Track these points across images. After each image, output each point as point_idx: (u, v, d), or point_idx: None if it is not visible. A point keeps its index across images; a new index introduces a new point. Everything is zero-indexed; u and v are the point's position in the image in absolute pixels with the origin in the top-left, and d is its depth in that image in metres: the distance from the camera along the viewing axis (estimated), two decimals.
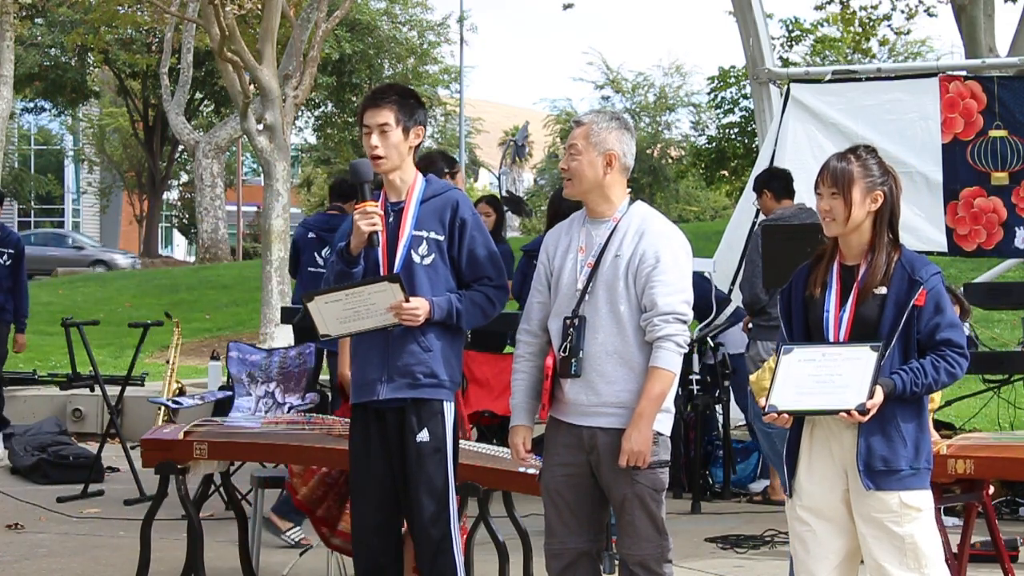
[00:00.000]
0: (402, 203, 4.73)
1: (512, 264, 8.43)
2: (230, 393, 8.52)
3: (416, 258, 4.68)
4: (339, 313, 4.63)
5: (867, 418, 3.97)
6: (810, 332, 4.19)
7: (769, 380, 5.01)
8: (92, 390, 9.96)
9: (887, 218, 4.13)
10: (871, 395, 3.95)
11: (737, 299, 9.64)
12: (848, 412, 3.96)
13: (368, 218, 4.62)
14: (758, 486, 8.62)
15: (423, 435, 4.64)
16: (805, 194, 8.72)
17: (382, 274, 4.66)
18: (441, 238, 4.70)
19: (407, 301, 4.57)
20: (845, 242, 4.17)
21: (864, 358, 4.01)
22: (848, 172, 4.12)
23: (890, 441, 4.03)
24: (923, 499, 4.07)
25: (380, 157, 4.68)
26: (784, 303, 4.28)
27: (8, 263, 9.68)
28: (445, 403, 4.69)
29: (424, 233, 4.70)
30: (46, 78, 34.58)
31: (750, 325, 8.38)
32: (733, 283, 9.85)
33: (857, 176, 4.12)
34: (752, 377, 5.26)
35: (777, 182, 8.21)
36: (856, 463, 4.05)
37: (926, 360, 4.02)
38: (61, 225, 57.14)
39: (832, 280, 4.17)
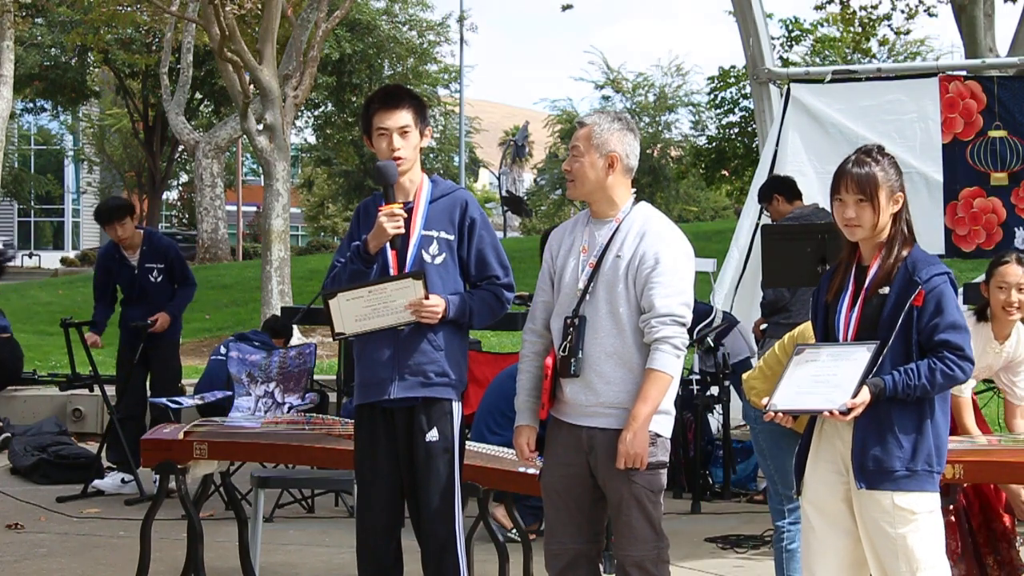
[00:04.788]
0: (410, 203, 4.74)
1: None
2: (230, 393, 8.52)
3: (427, 257, 4.69)
4: (359, 311, 4.63)
5: (849, 417, 3.97)
6: (828, 334, 4.19)
7: (758, 379, 5.03)
8: (92, 390, 9.93)
9: (903, 220, 4.12)
10: (856, 394, 3.95)
11: (744, 300, 9.67)
12: (831, 412, 3.97)
13: (394, 220, 4.62)
14: (760, 485, 8.62)
15: (432, 434, 4.64)
16: (803, 197, 8.74)
17: (392, 274, 4.67)
18: (451, 238, 4.71)
19: (427, 298, 4.58)
20: (863, 244, 4.16)
21: (859, 358, 4.01)
22: (873, 177, 4.07)
23: (884, 442, 4.02)
24: (919, 502, 4.03)
25: (403, 158, 4.70)
26: (812, 305, 4.30)
27: (159, 279, 8.65)
28: (454, 402, 4.70)
29: (434, 233, 4.71)
30: (46, 78, 34.56)
31: (763, 327, 8.40)
32: (738, 285, 9.86)
33: (881, 181, 4.08)
34: (744, 375, 5.27)
35: (786, 186, 8.29)
36: (851, 461, 4.05)
37: (923, 362, 4.00)
38: (61, 225, 57.19)
39: (848, 283, 4.17)
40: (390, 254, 4.71)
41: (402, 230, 4.64)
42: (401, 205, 4.67)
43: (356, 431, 4.84)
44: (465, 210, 4.74)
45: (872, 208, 4.07)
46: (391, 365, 4.66)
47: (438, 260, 4.70)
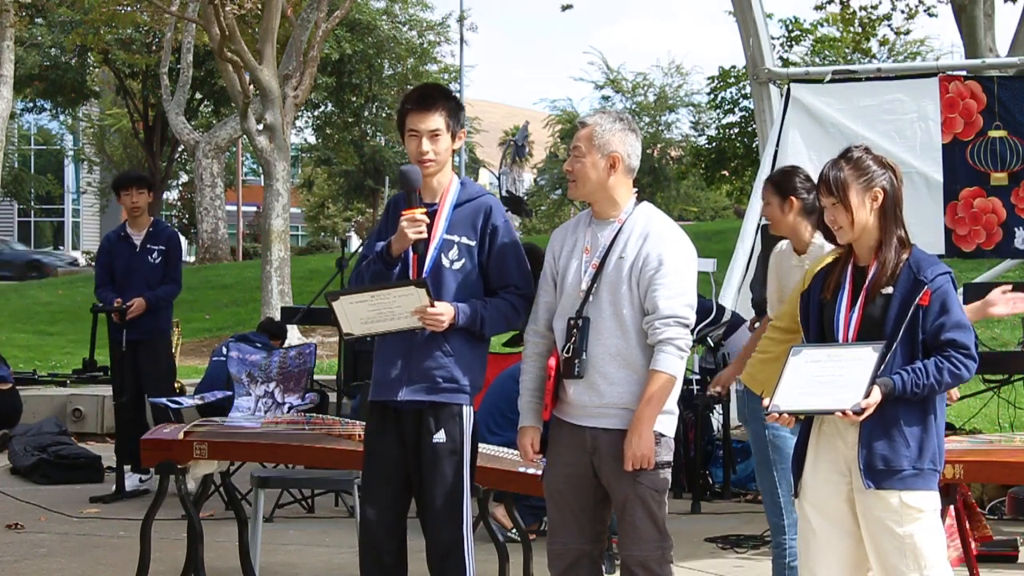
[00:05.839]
0: (435, 205, 4.72)
1: None
2: (229, 393, 8.52)
3: (446, 262, 4.66)
4: (364, 314, 4.62)
5: (863, 418, 3.97)
6: (824, 334, 4.18)
7: (760, 370, 4.99)
8: (105, 373, 9.75)
9: (892, 213, 4.12)
10: (867, 395, 3.95)
11: (734, 300, 9.65)
12: (844, 412, 3.97)
13: (416, 226, 4.59)
14: None
15: (439, 436, 4.63)
16: None
17: (411, 276, 4.66)
18: (472, 243, 4.68)
19: (432, 306, 4.56)
20: (857, 243, 4.16)
21: (866, 358, 4.00)
22: (840, 177, 4.10)
23: (892, 441, 4.02)
24: (925, 500, 4.05)
25: (431, 161, 4.68)
26: (803, 305, 4.28)
27: (158, 261, 8.74)
28: (464, 407, 4.67)
29: (456, 238, 4.68)
30: (46, 78, 34.54)
31: (757, 324, 8.37)
32: (741, 285, 9.85)
33: (850, 179, 4.10)
34: (743, 376, 5.24)
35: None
36: (857, 461, 4.05)
37: (930, 361, 4.00)
38: (61, 225, 57.13)
39: (845, 282, 4.16)
40: (411, 257, 4.69)
41: (424, 236, 4.61)
42: (424, 211, 4.64)
43: (367, 428, 4.85)
44: (488, 217, 4.70)
45: (844, 208, 4.10)
46: (402, 367, 4.65)
47: (456, 265, 4.67)
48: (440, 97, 4.73)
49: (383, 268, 4.68)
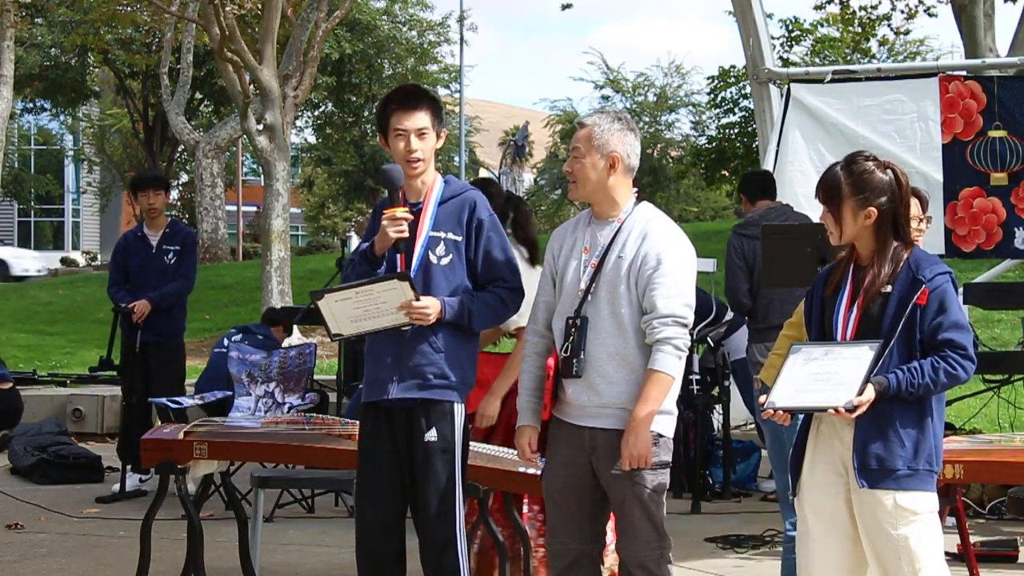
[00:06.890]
0: (420, 203, 4.73)
1: None
2: (230, 393, 8.52)
3: (433, 258, 4.68)
4: (350, 312, 4.63)
5: (855, 415, 3.97)
6: (825, 332, 4.19)
7: (775, 368, 4.98)
8: (117, 373, 9.73)
9: (889, 228, 4.09)
10: (861, 392, 3.95)
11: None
12: (836, 410, 3.96)
13: (397, 224, 4.61)
14: (771, 485, 8.59)
15: (431, 434, 4.64)
16: (803, 198, 8.72)
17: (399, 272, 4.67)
18: (459, 239, 4.70)
19: (417, 300, 4.57)
20: (859, 245, 4.16)
21: (862, 356, 4.00)
22: (838, 189, 4.09)
23: (887, 440, 4.01)
24: (921, 501, 4.03)
25: (420, 160, 4.70)
26: (807, 303, 4.29)
27: (173, 261, 8.76)
28: (455, 404, 4.68)
29: (442, 234, 4.69)
30: (46, 78, 34.53)
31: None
32: None
33: (847, 194, 4.08)
34: (762, 375, 5.24)
35: (749, 184, 8.02)
36: (852, 461, 4.05)
37: (926, 361, 4.00)
38: (61, 225, 57.12)
39: (846, 281, 4.16)
40: (398, 257, 4.70)
41: (405, 234, 4.63)
42: (406, 209, 4.65)
43: (360, 429, 4.86)
44: (473, 211, 4.72)
45: (834, 218, 4.11)
46: (392, 365, 4.66)
47: (444, 261, 4.69)
48: (424, 96, 4.77)
49: (367, 268, 4.70)
